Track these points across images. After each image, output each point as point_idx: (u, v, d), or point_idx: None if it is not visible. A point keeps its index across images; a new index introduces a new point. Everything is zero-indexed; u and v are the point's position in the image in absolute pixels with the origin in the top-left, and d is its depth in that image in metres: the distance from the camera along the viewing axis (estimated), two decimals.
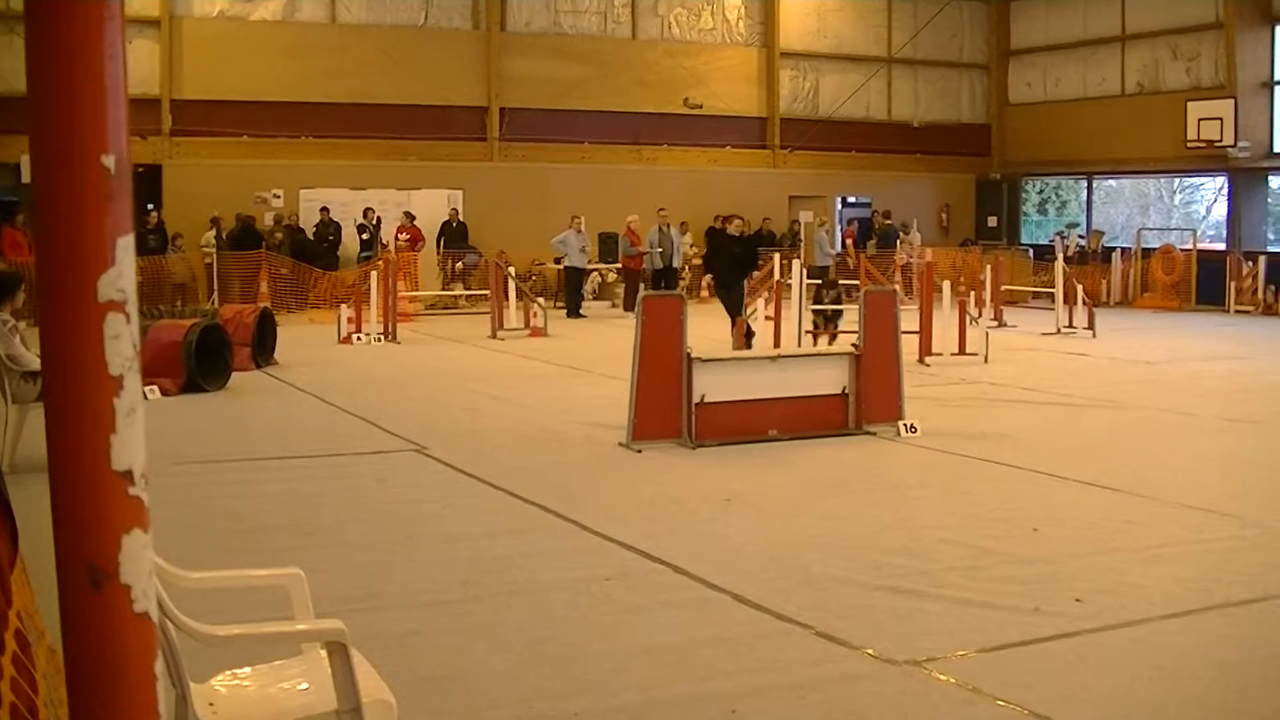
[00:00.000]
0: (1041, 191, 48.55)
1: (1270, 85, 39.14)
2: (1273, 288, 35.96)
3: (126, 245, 1.53)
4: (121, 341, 1.53)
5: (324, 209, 35.44)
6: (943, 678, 7.44)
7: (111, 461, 1.53)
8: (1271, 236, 41.22)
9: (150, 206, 34.15)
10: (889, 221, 41.24)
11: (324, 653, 5.13)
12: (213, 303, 29.60)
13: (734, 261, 25.25)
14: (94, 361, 1.52)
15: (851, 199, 45.15)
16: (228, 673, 5.48)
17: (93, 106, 1.50)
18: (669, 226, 34.91)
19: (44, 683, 2.99)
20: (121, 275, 1.51)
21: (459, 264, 36.15)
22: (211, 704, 5.12)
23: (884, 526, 11.13)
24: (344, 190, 36.41)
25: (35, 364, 13.37)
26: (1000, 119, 46.86)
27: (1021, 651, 7.91)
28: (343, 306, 27.17)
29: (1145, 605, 8.81)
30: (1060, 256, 31.19)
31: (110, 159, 1.50)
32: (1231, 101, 38.30)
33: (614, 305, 35.04)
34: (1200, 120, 38.72)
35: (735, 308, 24.11)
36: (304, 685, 5.40)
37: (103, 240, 1.50)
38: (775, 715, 6.92)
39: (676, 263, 35.13)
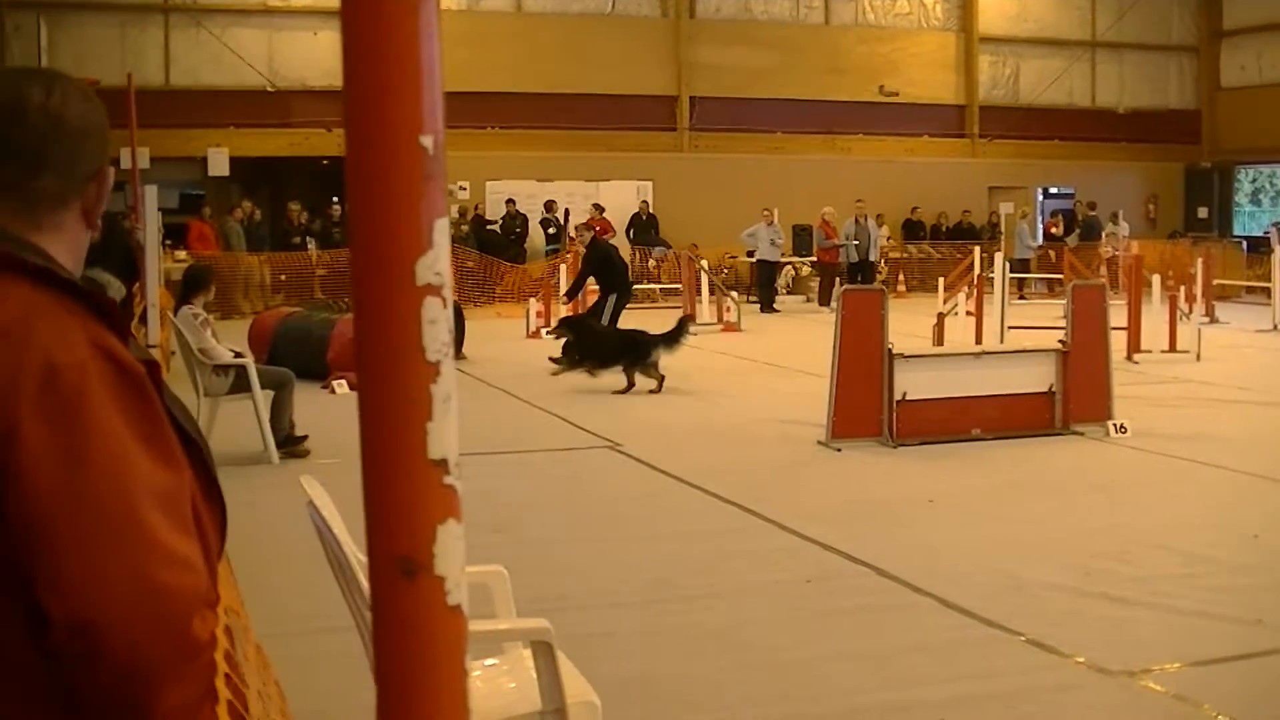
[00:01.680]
0: (1255, 180, 47.10)
1: None
2: None
3: (443, 228, 1.50)
4: (438, 326, 1.47)
5: (510, 201, 35.38)
6: (1157, 689, 7.18)
7: (428, 450, 1.47)
8: None
9: (335, 199, 34.14)
10: (1093, 213, 40.02)
11: (527, 652, 5.11)
12: None
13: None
14: (411, 348, 1.47)
15: (1053, 189, 43.96)
16: None
17: (409, 86, 1.49)
18: (866, 219, 34.25)
19: (254, 677, 3.16)
20: (439, 258, 1.48)
21: (650, 260, 35.63)
22: None
23: (1093, 531, 10.77)
24: (530, 182, 36.43)
25: (226, 357, 13.57)
26: (1211, 104, 45.48)
27: (1241, 665, 7.60)
28: (530, 300, 27.21)
29: None
30: (1277, 249, 29.84)
31: (428, 139, 1.50)
32: None
33: (808, 300, 34.65)
34: None
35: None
36: (509, 685, 5.44)
37: (420, 222, 1.48)
38: None
39: (873, 256, 34.50)
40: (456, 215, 35.18)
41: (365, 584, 4.92)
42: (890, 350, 14.30)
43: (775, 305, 33.12)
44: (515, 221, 35.28)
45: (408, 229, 1.49)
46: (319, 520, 5.05)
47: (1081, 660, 7.58)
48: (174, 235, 30.09)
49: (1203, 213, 44.32)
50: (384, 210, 1.50)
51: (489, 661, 5.77)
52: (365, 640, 5.04)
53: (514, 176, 36.29)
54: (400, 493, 1.50)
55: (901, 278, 37.84)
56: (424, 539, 1.50)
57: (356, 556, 5.15)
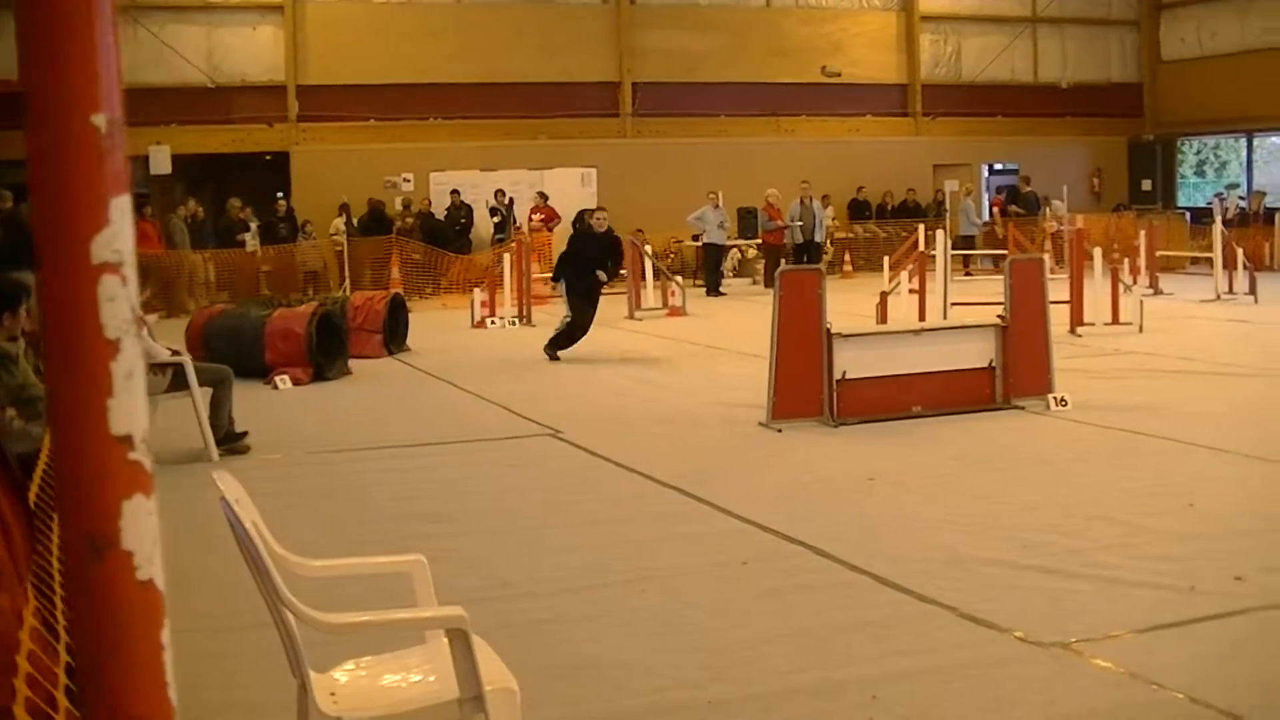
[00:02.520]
0: (1199, 152, 47.29)
1: None
2: None
3: (122, 206, 1.51)
4: (118, 304, 1.47)
5: (455, 191, 35.25)
6: (1093, 660, 7.19)
7: (110, 426, 1.48)
8: None
9: (280, 194, 34.10)
10: (1029, 189, 40.11)
11: (447, 640, 5.09)
12: (344, 290, 29.28)
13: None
14: (90, 325, 1.47)
15: (998, 166, 44.07)
16: (350, 662, 5.51)
17: (83, 67, 1.49)
18: (811, 199, 34.31)
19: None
20: (117, 236, 1.49)
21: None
22: (333, 693, 5.17)
23: (1033, 504, 10.82)
24: (475, 172, 36.24)
25: (163, 355, 13.47)
26: (1153, 77, 45.65)
27: (1177, 632, 7.62)
28: (476, 290, 27.19)
29: None
30: (1219, 220, 30.02)
31: (101, 118, 1.50)
32: None
33: (755, 282, 34.58)
34: None
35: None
36: (427, 674, 5.39)
37: (96, 200, 1.49)
38: (917, 701, 6.73)
39: (819, 237, 34.63)
40: (401, 207, 35.09)
41: (278, 579, 4.92)
42: (829, 330, 14.31)
43: (721, 288, 33.12)
44: (460, 212, 35.13)
45: (84, 207, 1.49)
46: (232, 515, 5.01)
47: (1017, 633, 7.60)
48: None
49: (1147, 185, 44.40)
50: (60, 188, 1.50)
51: (400, 650, 5.73)
52: (282, 634, 5.03)
53: (458, 167, 36.08)
54: (85, 470, 1.50)
55: (848, 257, 37.88)
56: (111, 515, 1.50)
57: (270, 551, 5.14)
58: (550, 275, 23.35)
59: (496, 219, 34.97)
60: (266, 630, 5.22)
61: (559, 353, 20.42)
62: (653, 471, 12.31)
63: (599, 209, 22.33)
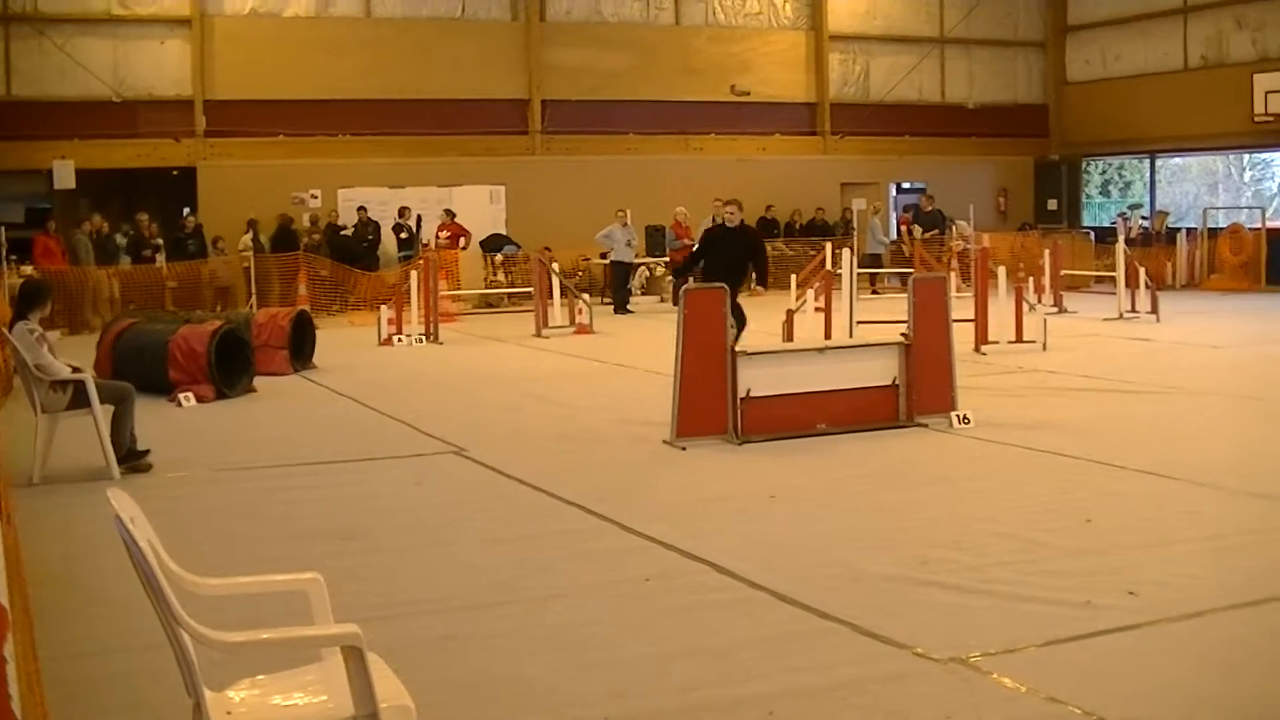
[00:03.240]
0: (1104, 172, 47.80)
1: None
2: None
3: None
4: None
5: (361, 208, 35.08)
6: (990, 675, 7.27)
7: None
8: None
9: (187, 210, 33.78)
10: (930, 209, 40.32)
11: (342, 658, 5.07)
12: (251, 306, 29.09)
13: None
14: None
15: (906, 185, 44.31)
16: (246, 681, 5.47)
17: None
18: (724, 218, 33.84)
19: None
20: None
21: (498, 254, 35.53)
22: (229, 712, 5.15)
23: (933, 521, 10.92)
24: (383, 189, 35.95)
25: (64, 373, 13.38)
26: (1058, 98, 46.11)
27: (1072, 647, 7.71)
28: (383, 308, 27.00)
29: (1203, 597, 8.58)
30: (1122, 239, 30.30)
31: None
32: None
33: (663, 300, 34.55)
34: (1268, 93, 37.87)
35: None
36: (323, 692, 5.36)
37: None
38: (814, 717, 6.79)
39: None
40: (309, 224, 34.91)
41: (173, 598, 4.89)
42: (733, 348, 14.38)
43: (629, 306, 33.10)
44: (367, 229, 34.94)
45: None
46: (126, 534, 4.97)
47: (915, 649, 7.64)
48: (19, 250, 29.65)
49: (1052, 205, 44.79)
50: None
51: (296, 669, 5.69)
52: (177, 654, 5.00)
53: (366, 184, 35.82)
54: None
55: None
56: None
57: (166, 570, 5.11)
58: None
59: (404, 236, 34.81)
60: (165, 650, 5.19)
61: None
62: (557, 489, 12.30)
63: (730, 201, 20.48)
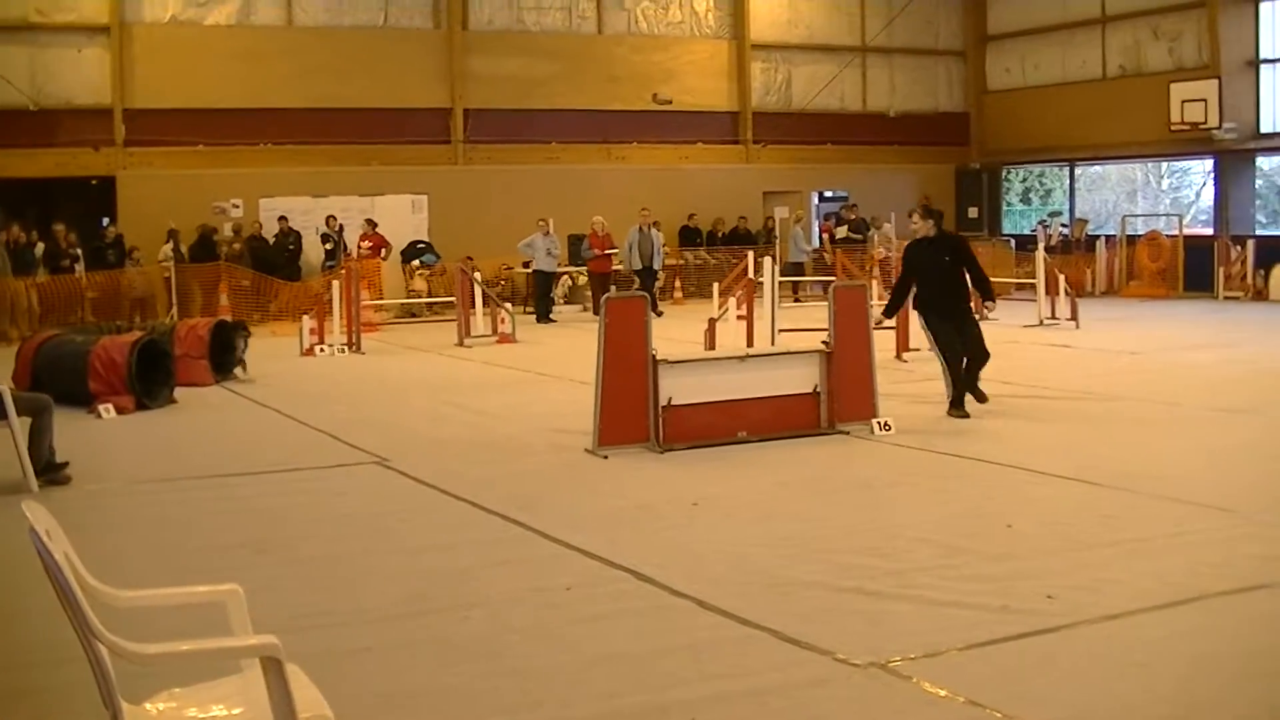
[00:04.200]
0: (1024, 180, 48.22)
1: (1255, 64, 38.68)
2: (1262, 272, 35.61)
3: None
4: None
5: (282, 218, 34.97)
6: (910, 680, 7.31)
7: None
8: (1261, 219, 40.66)
9: (106, 220, 33.50)
10: (853, 217, 40.53)
11: (261, 669, 5.00)
12: (171, 317, 28.91)
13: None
14: None
15: (828, 193, 44.41)
16: (164, 693, 5.42)
17: None
18: (650, 227, 34.10)
19: None
20: None
21: (417, 261, 35.47)
22: None
23: (853, 527, 10.98)
24: (305, 198, 35.81)
25: None
26: (979, 107, 46.46)
27: (990, 651, 7.77)
28: (305, 317, 26.78)
29: (1120, 600, 8.68)
30: (1042, 246, 30.58)
31: None
32: (1216, 82, 37.79)
33: (585, 309, 34.55)
34: (1184, 102, 38.24)
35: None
36: (241, 704, 5.34)
37: None
38: None
39: (657, 264, 34.38)
40: (231, 233, 34.72)
41: (88, 610, 4.85)
42: (654, 356, 14.38)
43: (552, 315, 33.03)
44: (289, 238, 34.79)
45: None
46: (42, 547, 4.92)
47: (835, 655, 7.67)
48: None
49: (973, 213, 45.10)
50: None
51: (215, 681, 5.67)
52: (94, 667, 4.96)
53: (289, 193, 35.69)
54: None
55: (678, 284, 38.06)
56: None
57: (82, 582, 5.08)
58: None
59: (328, 245, 34.68)
60: (82, 664, 5.15)
61: (974, 398, 16.53)
62: (478, 498, 12.28)
63: (916, 209, 18.25)
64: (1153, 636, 8.01)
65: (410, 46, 38.12)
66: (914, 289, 17.14)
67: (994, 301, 18.36)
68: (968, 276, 16.82)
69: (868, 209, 40.53)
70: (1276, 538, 10.35)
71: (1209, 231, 39.60)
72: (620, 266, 34.26)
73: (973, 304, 17.24)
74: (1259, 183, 41.15)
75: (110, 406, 17.93)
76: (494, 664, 7.74)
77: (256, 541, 10.90)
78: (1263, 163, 41.29)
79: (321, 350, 25.75)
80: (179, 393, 19.41)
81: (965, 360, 16.38)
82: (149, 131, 34.86)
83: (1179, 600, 8.68)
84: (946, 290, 16.65)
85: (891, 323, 20.31)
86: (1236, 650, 7.76)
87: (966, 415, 16.17)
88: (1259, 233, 38.72)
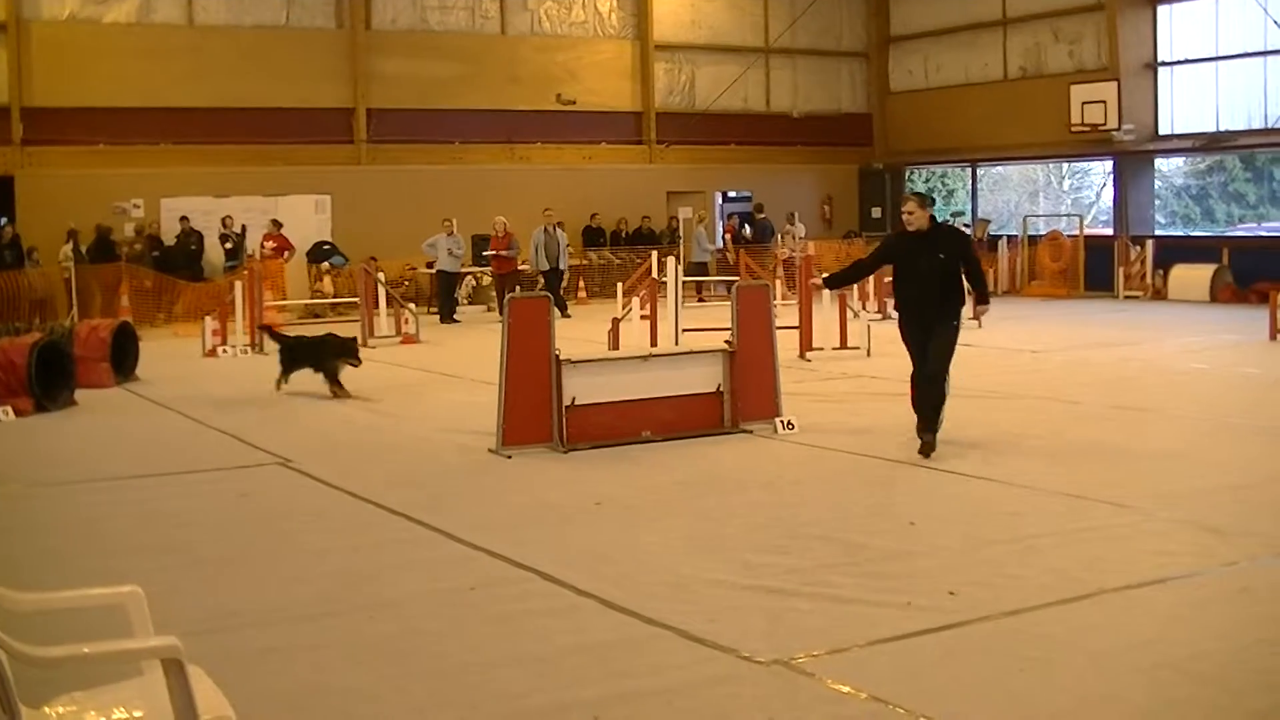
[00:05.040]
0: (927, 180, 48.53)
1: (1154, 66, 39.09)
2: (1161, 272, 35.96)
3: None
4: None
5: (184, 218, 34.67)
6: (813, 676, 7.37)
7: None
8: (1160, 220, 41.09)
9: (3, 220, 33.07)
10: (762, 216, 40.68)
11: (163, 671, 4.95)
12: (71, 318, 28.55)
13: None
14: None
15: (732, 194, 44.46)
16: (64, 697, 5.34)
17: None
18: (555, 227, 34.06)
19: None
20: None
21: (327, 263, 35.26)
22: None
23: (757, 526, 11.03)
24: (207, 198, 35.45)
25: None
26: (882, 108, 46.68)
27: (893, 647, 7.85)
28: (207, 318, 26.53)
29: (1019, 596, 8.80)
30: None
31: None
32: (1115, 84, 38.23)
33: (489, 309, 34.37)
34: (1084, 104, 38.65)
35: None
36: (141, 706, 5.25)
37: None
38: None
39: (563, 264, 34.35)
40: (132, 234, 34.40)
41: None
42: (558, 356, 14.40)
43: (456, 316, 33.03)
44: (190, 239, 34.49)
45: None
46: None
47: (739, 652, 7.71)
48: None
49: (876, 213, 45.24)
50: None
51: (116, 684, 5.59)
52: None
53: (190, 193, 35.33)
54: None
55: (582, 284, 38.05)
56: None
57: None
58: None
59: (229, 246, 34.41)
60: None
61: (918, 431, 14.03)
62: (383, 500, 12.26)
63: (910, 197, 14.57)
64: (1051, 632, 8.10)
65: (313, 46, 37.88)
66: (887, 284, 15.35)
67: (987, 305, 15.96)
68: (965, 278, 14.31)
69: (772, 209, 40.63)
70: (1173, 533, 10.46)
71: (1109, 232, 39.98)
72: (526, 267, 34.13)
73: (962, 311, 14.52)
74: (1158, 184, 41.60)
75: (9, 409, 17.73)
76: (400, 664, 7.75)
77: (160, 545, 10.82)
78: (1161, 164, 41.79)
79: (224, 351, 25.57)
80: (79, 395, 19.24)
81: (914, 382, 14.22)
82: (47, 130, 34.44)
83: (1077, 596, 8.79)
84: (929, 293, 13.94)
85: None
86: (1133, 644, 7.85)
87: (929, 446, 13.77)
88: (1158, 233, 39.22)
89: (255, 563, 10.25)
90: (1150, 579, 9.20)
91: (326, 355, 19.25)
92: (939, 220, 14.28)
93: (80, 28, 35.29)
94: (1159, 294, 35.42)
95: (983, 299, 15.25)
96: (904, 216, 14.15)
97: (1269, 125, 36.52)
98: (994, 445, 14.45)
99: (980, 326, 18.71)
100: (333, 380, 18.99)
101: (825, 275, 16.04)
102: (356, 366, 19.24)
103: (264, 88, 36.64)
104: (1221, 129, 37.69)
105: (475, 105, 39.68)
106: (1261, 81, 36.64)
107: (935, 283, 13.92)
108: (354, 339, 20.03)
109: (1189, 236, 40.99)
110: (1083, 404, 17.41)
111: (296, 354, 19.65)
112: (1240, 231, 40.67)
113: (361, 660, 7.84)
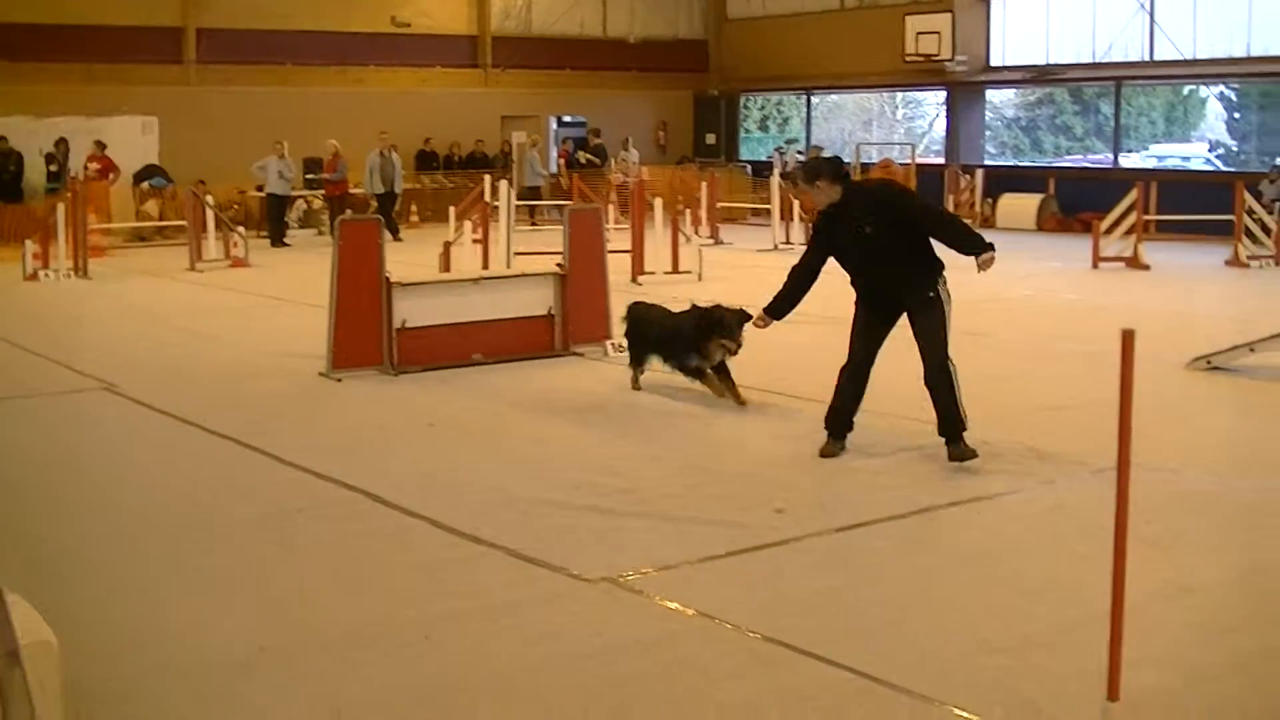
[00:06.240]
0: (763, 108, 48.65)
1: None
2: (990, 200, 36.59)
3: None
4: None
5: (1, 138, 33.52)
6: (641, 593, 7.45)
7: None
8: (990, 150, 41.74)
9: None
10: (599, 140, 40.67)
11: None
12: None
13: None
14: None
15: (567, 119, 44.24)
16: None
17: None
18: (391, 151, 33.79)
19: None
20: None
21: (147, 183, 34.61)
22: None
23: (587, 447, 11.16)
24: (29, 118, 34.43)
25: None
26: (718, 34, 46.75)
27: (723, 564, 7.94)
28: (28, 242, 25.79)
29: (848, 513, 8.94)
30: (777, 173, 30.84)
31: None
32: (949, 15, 38.75)
33: (320, 233, 33.86)
34: (918, 34, 39.14)
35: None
36: None
37: None
38: (469, 639, 6.84)
39: (398, 188, 34.17)
40: None
41: None
42: (388, 279, 14.34)
43: (286, 239, 32.67)
44: (9, 160, 33.67)
45: None
46: None
47: (568, 570, 7.76)
48: None
49: (711, 139, 45.54)
50: None
51: None
52: None
53: (10, 112, 34.22)
54: None
55: (415, 208, 37.76)
56: None
57: None
58: None
59: (53, 167, 33.66)
60: None
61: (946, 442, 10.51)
62: (210, 424, 12.09)
63: (799, 170, 12.38)
64: (878, 547, 8.31)
65: None
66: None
67: (985, 252, 11.20)
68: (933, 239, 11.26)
69: (608, 135, 40.68)
70: (999, 454, 10.62)
71: (941, 161, 40.37)
72: (360, 190, 33.80)
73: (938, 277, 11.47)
74: (988, 115, 42.27)
75: None
76: (226, 588, 7.72)
77: None
78: (992, 95, 42.39)
79: (46, 276, 24.95)
80: None
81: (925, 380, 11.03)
82: None
83: (904, 512, 8.99)
84: (878, 277, 11.26)
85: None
86: (955, 558, 8.10)
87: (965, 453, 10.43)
88: (988, 163, 40.00)
89: (78, 491, 10.15)
90: (975, 496, 9.44)
91: None
92: (850, 181, 11.20)
93: None
94: (987, 222, 35.72)
95: (973, 248, 11.17)
96: (809, 192, 11.19)
97: (1096, 60, 37.12)
98: (828, 368, 14.10)
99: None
100: None
101: (765, 306, 12.31)
102: None
103: (88, 4, 35.72)
104: (1051, 62, 38.22)
105: (309, 26, 39.09)
106: (1090, 17, 37.37)
107: (879, 261, 11.07)
108: None
109: (1017, 166, 41.53)
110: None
111: None
112: (1066, 162, 41.28)
113: (190, 589, 7.77)
